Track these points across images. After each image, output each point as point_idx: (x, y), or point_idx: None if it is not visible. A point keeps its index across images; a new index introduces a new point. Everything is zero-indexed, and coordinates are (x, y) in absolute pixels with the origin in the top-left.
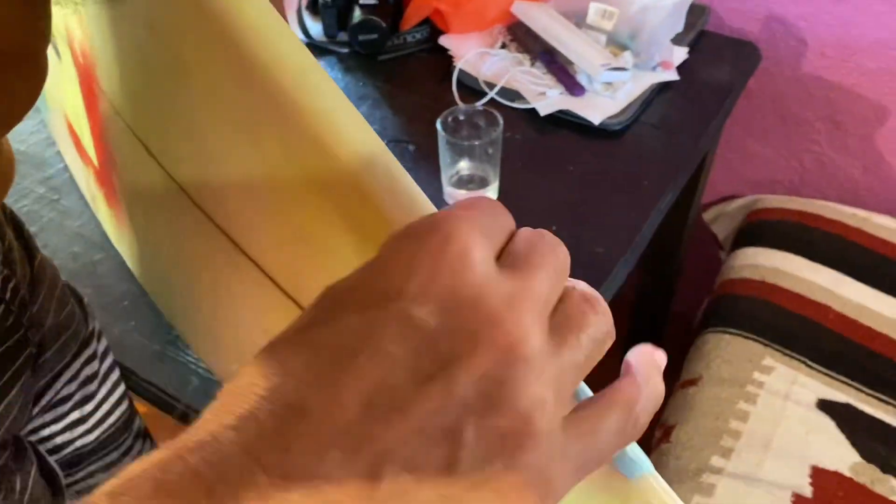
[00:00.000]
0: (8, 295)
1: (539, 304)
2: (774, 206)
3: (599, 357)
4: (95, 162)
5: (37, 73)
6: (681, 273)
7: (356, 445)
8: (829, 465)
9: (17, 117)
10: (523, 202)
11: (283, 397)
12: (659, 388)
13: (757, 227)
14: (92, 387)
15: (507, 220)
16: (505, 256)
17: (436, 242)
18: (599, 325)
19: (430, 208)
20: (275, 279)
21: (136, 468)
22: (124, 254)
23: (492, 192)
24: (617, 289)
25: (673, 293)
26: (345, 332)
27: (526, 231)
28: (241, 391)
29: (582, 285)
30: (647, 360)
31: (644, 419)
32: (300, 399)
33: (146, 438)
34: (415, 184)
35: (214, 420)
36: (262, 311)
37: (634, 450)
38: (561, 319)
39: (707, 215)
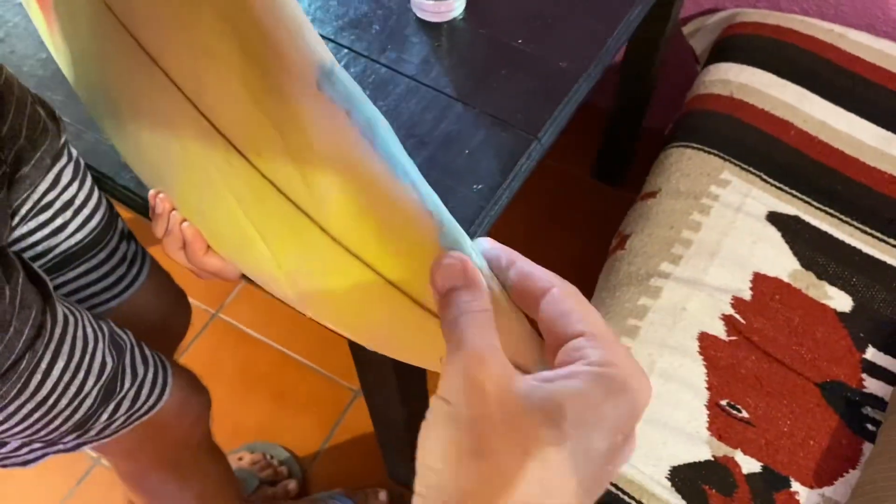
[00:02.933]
0: None
1: None
2: (752, 21)
3: None
4: None
5: None
6: (654, 87)
7: None
8: (770, 271)
9: None
10: (492, 12)
11: None
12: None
13: (732, 42)
14: (70, 192)
15: None
16: None
17: None
18: None
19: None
20: (181, 88)
21: None
22: (57, 59)
23: (460, 1)
24: (578, 103)
25: (646, 107)
26: None
27: None
28: None
29: None
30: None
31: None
32: None
33: (131, 240)
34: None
35: None
36: (172, 121)
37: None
38: None
39: (686, 29)
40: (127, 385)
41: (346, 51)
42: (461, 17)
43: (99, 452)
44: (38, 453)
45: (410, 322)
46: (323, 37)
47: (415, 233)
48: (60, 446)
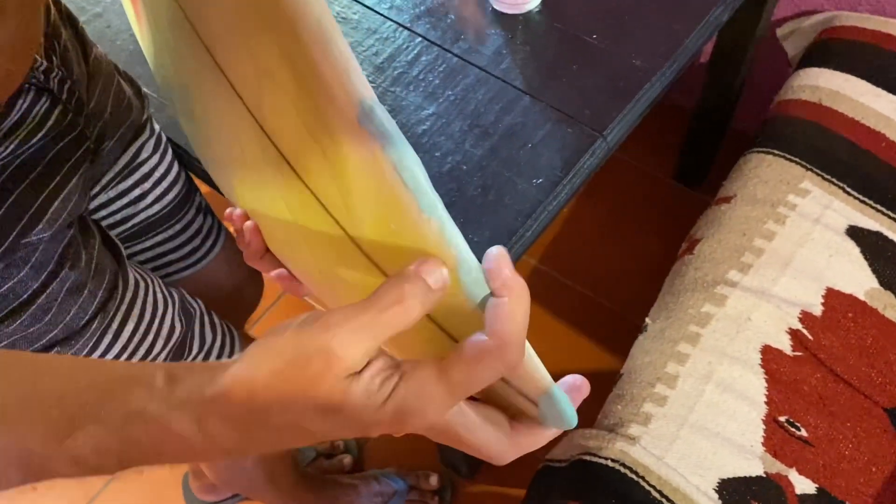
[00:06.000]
0: (65, 95)
1: None
2: (850, 25)
3: None
4: None
5: None
6: (741, 90)
7: None
8: (845, 288)
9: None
10: (568, 6)
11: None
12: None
13: (826, 46)
14: (149, 165)
15: None
16: None
17: None
18: None
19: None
20: (243, 100)
21: None
22: (141, 44)
23: None
24: (650, 103)
25: (733, 110)
26: None
27: None
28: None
29: None
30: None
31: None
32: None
33: (207, 214)
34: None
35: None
36: (234, 126)
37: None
38: None
39: (781, 31)
40: (195, 350)
41: (419, 39)
42: (537, 9)
43: None
44: None
45: (431, 343)
46: (399, 25)
47: None
48: None
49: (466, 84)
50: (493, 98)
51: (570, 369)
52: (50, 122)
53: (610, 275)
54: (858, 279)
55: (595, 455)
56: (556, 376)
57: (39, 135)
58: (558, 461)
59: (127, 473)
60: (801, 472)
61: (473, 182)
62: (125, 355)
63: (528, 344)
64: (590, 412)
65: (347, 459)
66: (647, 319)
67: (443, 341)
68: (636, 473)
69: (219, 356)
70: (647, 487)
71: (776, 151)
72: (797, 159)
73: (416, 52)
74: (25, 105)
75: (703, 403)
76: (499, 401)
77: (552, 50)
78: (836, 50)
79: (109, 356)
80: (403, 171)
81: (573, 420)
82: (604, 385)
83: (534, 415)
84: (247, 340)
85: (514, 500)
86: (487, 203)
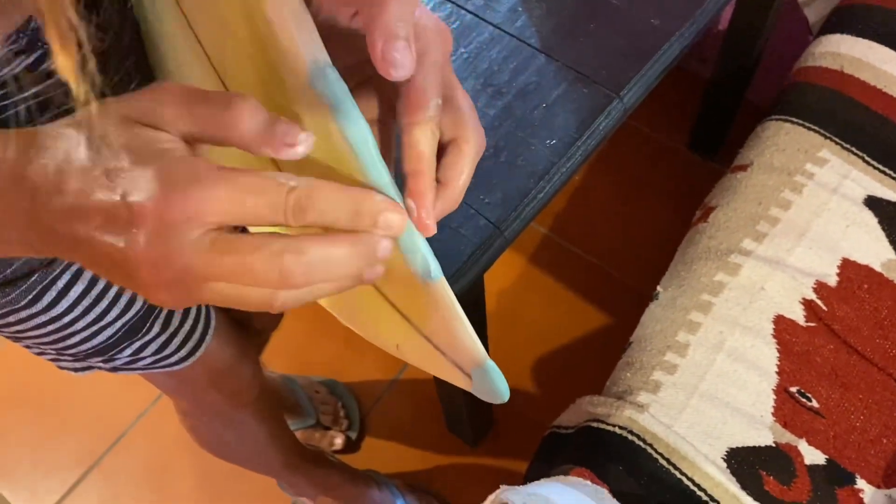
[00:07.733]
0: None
1: None
2: None
3: None
4: None
5: None
6: (760, 58)
7: None
8: (862, 259)
9: None
10: None
11: None
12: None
13: (849, 12)
14: None
15: None
16: None
17: None
18: None
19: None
20: (209, 55)
21: None
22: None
23: None
24: (668, 64)
25: (750, 79)
26: None
27: None
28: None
29: None
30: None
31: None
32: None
33: None
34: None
35: None
36: (200, 83)
37: (428, 255)
38: None
39: None
40: (156, 330)
41: None
42: None
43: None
44: (81, 364)
45: (371, 305)
46: None
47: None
48: (96, 365)
49: (480, 42)
50: (507, 57)
51: (580, 338)
52: (49, 82)
53: (621, 244)
54: (875, 250)
55: (603, 422)
56: (566, 345)
57: (33, 91)
58: (565, 427)
59: (135, 438)
60: (810, 443)
61: (486, 142)
62: (72, 315)
63: (464, 316)
64: (598, 380)
65: (338, 440)
66: (659, 288)
67: (372, 293)
68: (644, 441)
69: (181, 344)
70: (655, 455)
71: (795, 119)
72: (816, 127)
73: (428, 7)
74: (29, 62)
75: (713, 373)
76: (435, 367)
77: (569, 8)
78: (859, 16)
79: (53, 312)
80: (352, 139)
81: (505, 395)
82: (613, 353)
83: (466, 387)
84: (231, 341)
85: (520, 468)
86: (500, 164)
